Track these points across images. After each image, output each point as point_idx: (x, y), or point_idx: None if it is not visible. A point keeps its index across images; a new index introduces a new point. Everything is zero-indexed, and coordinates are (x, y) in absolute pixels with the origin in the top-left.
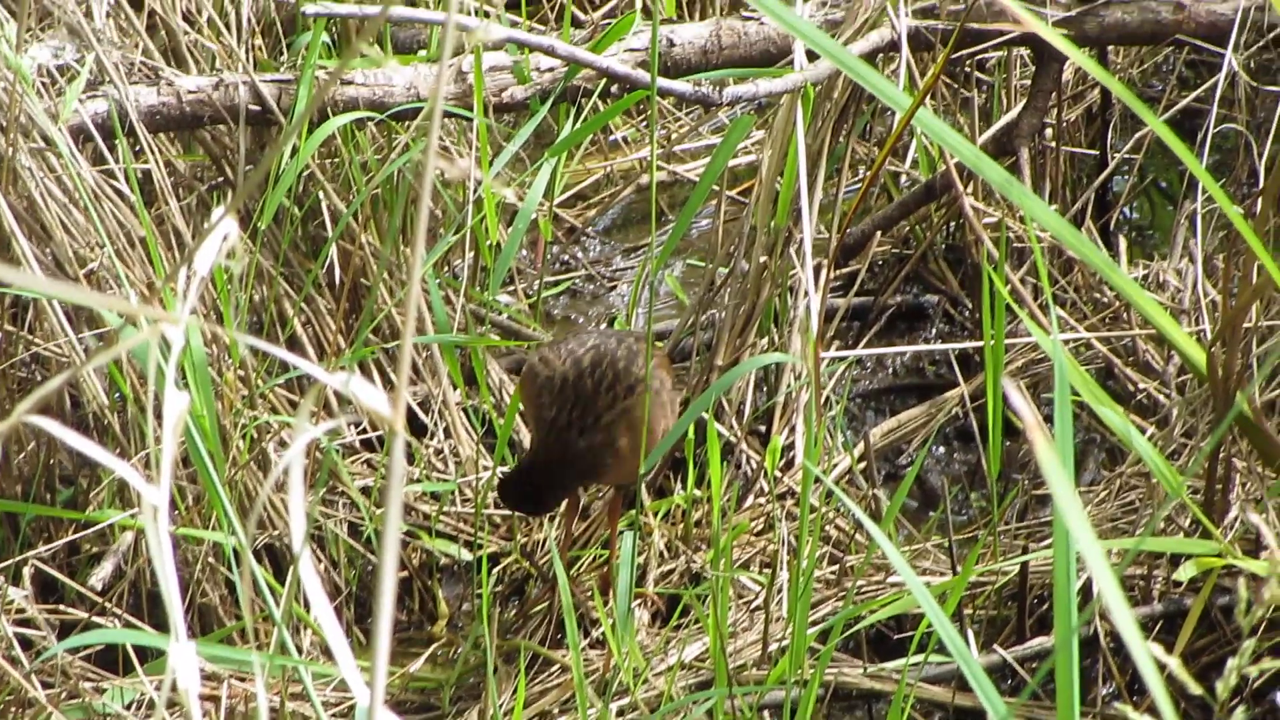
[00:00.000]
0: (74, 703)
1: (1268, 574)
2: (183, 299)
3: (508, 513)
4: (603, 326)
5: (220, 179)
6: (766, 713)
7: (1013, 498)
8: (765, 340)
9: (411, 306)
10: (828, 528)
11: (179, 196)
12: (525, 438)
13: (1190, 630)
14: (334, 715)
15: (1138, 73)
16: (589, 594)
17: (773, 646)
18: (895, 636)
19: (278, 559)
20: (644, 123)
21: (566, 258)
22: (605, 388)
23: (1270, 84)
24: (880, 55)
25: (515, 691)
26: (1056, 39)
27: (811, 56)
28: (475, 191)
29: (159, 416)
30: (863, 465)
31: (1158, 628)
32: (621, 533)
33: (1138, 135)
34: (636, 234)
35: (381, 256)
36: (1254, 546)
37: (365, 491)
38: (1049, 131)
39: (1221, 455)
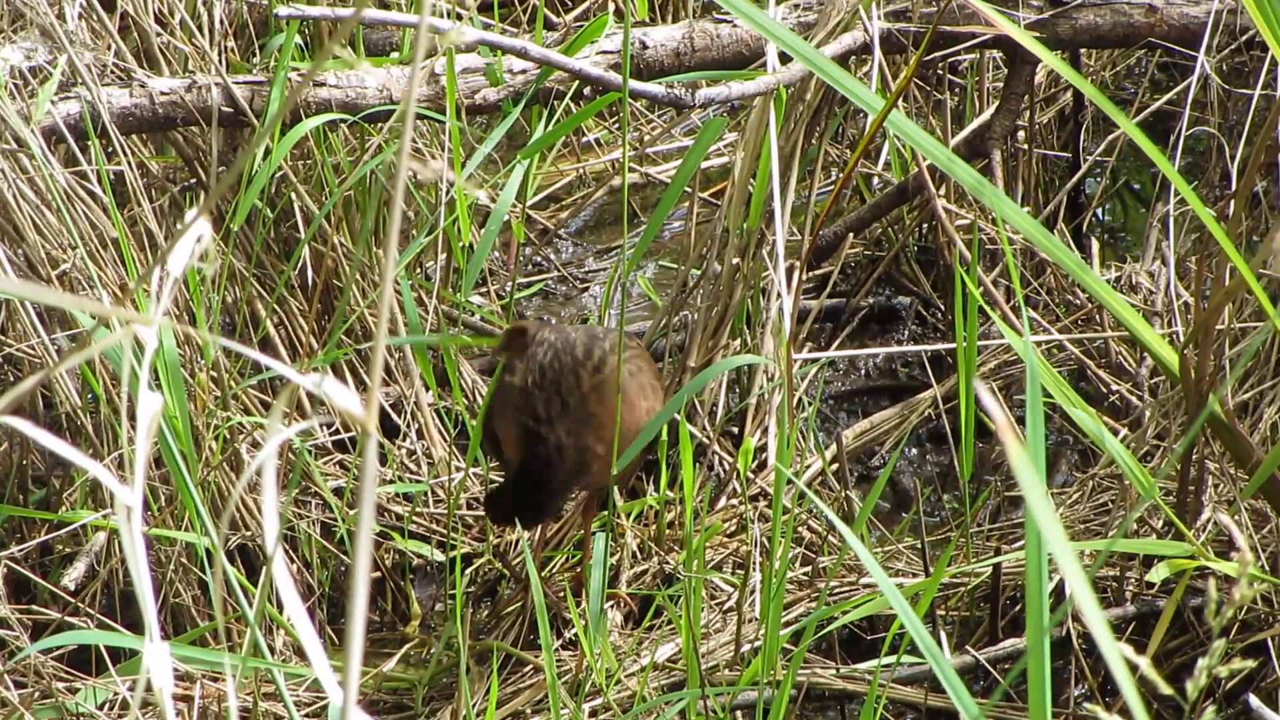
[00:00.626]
0: (47, 703)
1: (1238, 575)
2: (156, 300)
3: (480, 513)
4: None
5: (193, 180)
6: (739, 714)
7: (985, 499)
8: (738, 342)
9: (384, 307)
10: (800, 529)
11: (152, 198)
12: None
13: (1163, 631)
14: (307, 715)
15: (1110, 75)
16: (562, 595)
17: (745, 647)
18: (868, 637)
19: (251, 560)
20: (617, 125)
21: (539, 259)
22: (569, 370)
23: (1242, 87)
24: (853, 58)
25: (488, 692)
26: (1029, 42)
27: (784, 59)
28: (448, 193)
29: (132, 418)
30: (835, 467)
31: (1130, 629)
32: (594, 534)
33: (1110, 137)
34: (609, 235)
35: (354, 258)
36: (1227, 548)
37: (338, 492)
38: (1021, 134)
39: (1194, 457)
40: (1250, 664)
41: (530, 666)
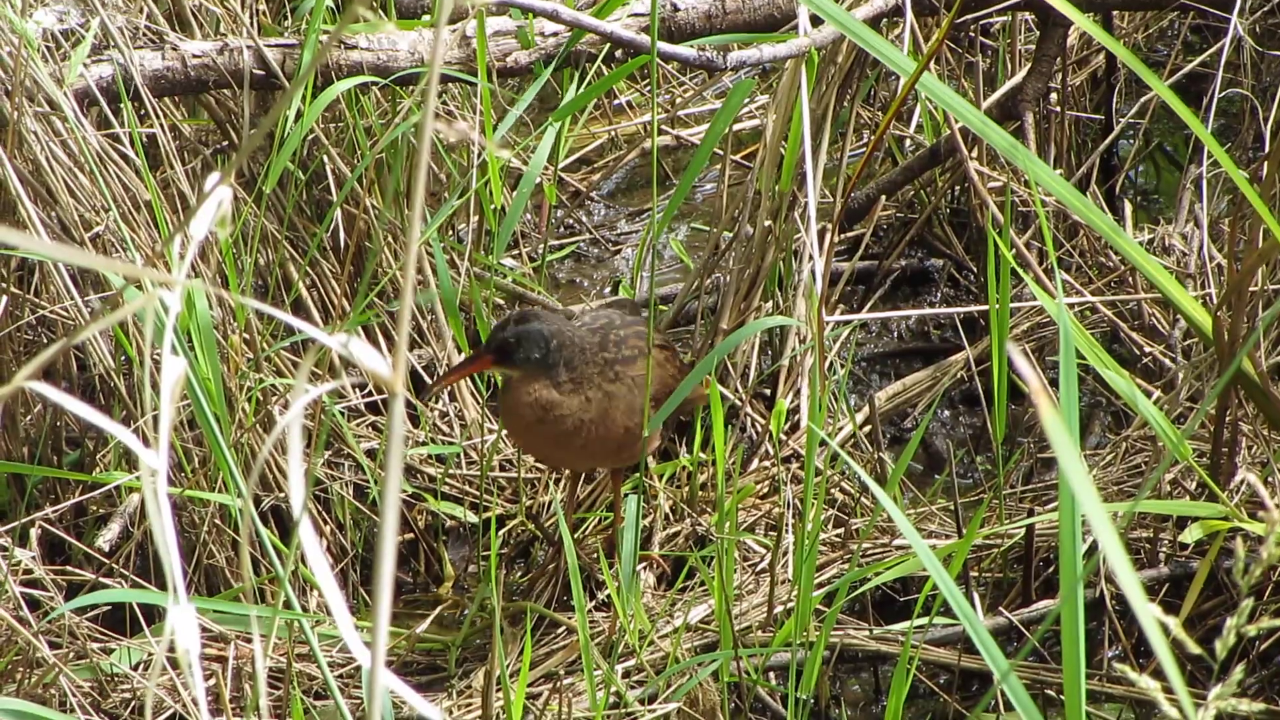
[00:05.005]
0: (81, 663)
1: (1265, 534)
2: (178, 263)
3: (514, 475)
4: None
5: (225, 143)
6: (772, 675)
7: (1017, 460)
8: (770, 304)
9: (410, 266)
10: (833, 490)
11: (184, 160)
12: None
13: (1196, 593)
14: (341, 676)
15: (1143, 37)
16: (595, 556)
17: (778, 609)
18: (901, 599)
19: (284, 521)
20: (649, 87)
21: (571, 222)
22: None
23: (1275, 48)
24: (884, 20)
25: (521, 653)
26: (1061, 4)
27: (816, 21)
28: (479, 156)
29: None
30: (868, 428)
31: (1164, 590)
32: (626, 495)
33: (1143, 100)
34: (641, 198)
35: (383, 219)
36: (1260, 509)
37: (371, 454)
38: (1054, 96)
39: (1228, 419)
40: (1279, 623)
41: (563, 628)
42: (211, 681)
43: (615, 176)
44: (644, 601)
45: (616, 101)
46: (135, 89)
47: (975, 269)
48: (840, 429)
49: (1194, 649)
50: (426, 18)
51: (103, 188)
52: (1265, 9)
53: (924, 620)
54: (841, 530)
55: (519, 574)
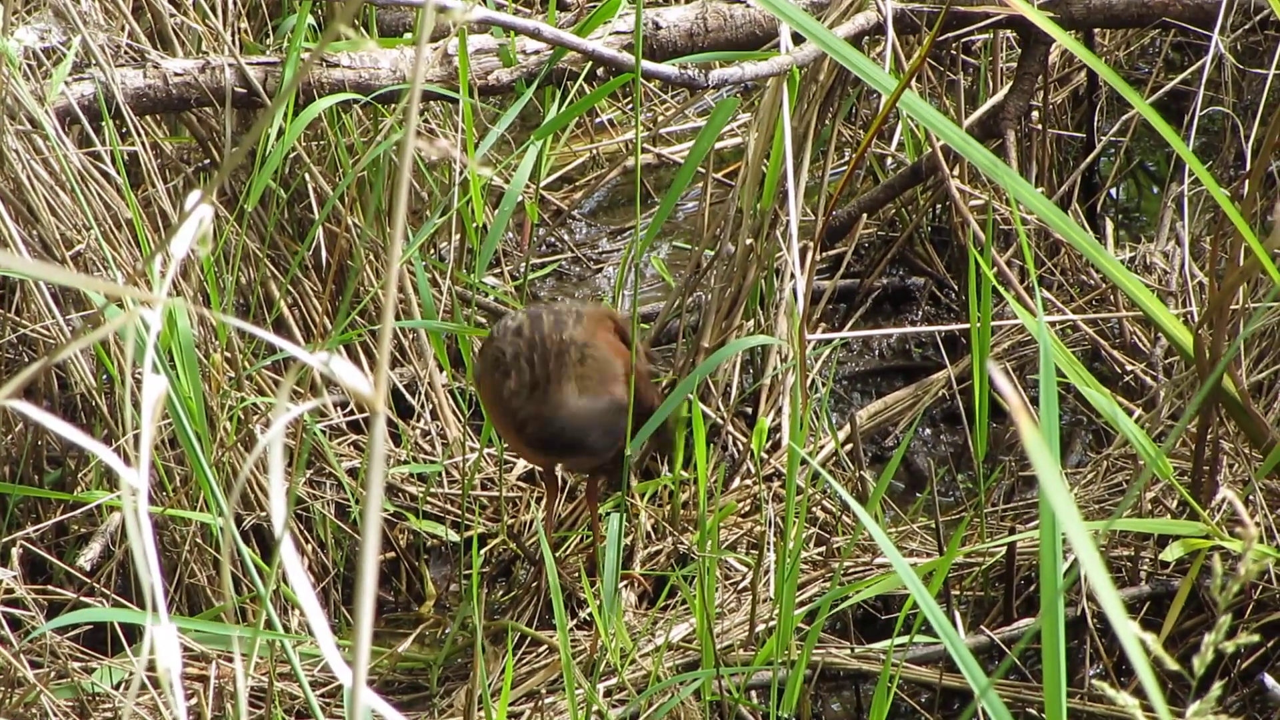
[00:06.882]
0: (63, 682)
1: (1242, 551)
2: (159, 282)
3: (495, 494)
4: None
5: (207, 161)
6: (754, 693)
7: (998, 479)
8: (751, 322)
9: (391, 285)
10: (814, 509)
11: (165, 179)
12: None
13: (1178, 611)
14: (323, 695)
15: (1124, 55)
16: (576, 575)
17: (760, 627)
18: (882, 617)
19: (266, 541)
20: (630, 105)
21: (553, 240)
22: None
23: (1257, 66)
24: (866, 38)
25: (503, 672)
26: (1042, 21)
27: (797, 40)
28: (461, 174)
29: (136, 400)
30: (849, 447)
31: (1145, 609)
32: (606, 514)
33: (1124, 118)
34: (623, 216)
35: (363, 236)
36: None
37: (353, 473)
38: (1035, 114)
39: (1209, 437)
40: (1257, 639)
41: (545, 647)
42: (193, 701)
43: (597, 195)
44: (625, 620)
45: (598, 120)
46: (117, 107)
47: (956, 287)
48: (822, 447)
49: (1174, 666)
50: (408, 35)
51: (84, 206)
52: (1246, 27)
53: (905, 639)
54: (823, 549)
55: (500, 593)
